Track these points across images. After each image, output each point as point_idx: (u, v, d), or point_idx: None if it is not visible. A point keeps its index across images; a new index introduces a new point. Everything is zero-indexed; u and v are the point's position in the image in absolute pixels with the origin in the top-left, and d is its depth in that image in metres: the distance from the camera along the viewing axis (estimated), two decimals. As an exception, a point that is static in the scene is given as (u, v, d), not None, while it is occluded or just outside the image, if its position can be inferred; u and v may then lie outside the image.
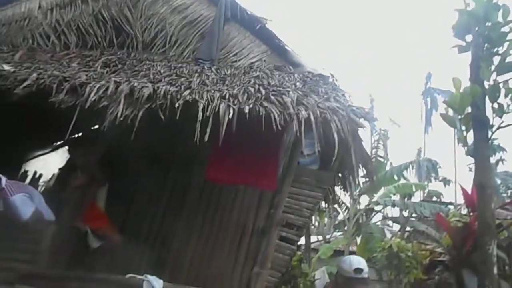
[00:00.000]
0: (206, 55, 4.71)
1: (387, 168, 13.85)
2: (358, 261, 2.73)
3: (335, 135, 2.96)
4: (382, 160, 14.23)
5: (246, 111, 3.05)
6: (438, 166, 14.29)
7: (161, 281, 3.22)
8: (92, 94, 3.13)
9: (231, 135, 3.01)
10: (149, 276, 3.21)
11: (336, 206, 14.79)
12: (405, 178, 14.21)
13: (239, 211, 4.46)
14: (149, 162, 4.64)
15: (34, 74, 3.37)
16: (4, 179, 3.15)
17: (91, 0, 4.95)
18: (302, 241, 13.78)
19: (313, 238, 17.25)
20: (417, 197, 18.10)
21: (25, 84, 3.21)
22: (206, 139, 2.88)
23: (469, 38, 3.56)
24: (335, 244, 13.44)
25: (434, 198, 17.69)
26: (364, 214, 14.01)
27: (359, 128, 3.51)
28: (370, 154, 13.45)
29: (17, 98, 3.18)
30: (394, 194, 13.45)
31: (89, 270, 3.52)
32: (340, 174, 5.81)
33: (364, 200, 14.31)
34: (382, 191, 13.50)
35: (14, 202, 3.17)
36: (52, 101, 3.14)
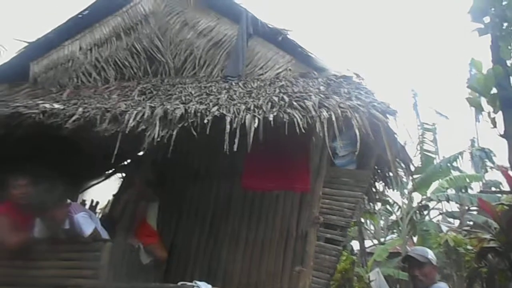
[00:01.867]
0: (234, 72, 4.98)
1: (437, 162, 13.42)
2: None
3: (357, 132, 3.06)
4: (430, 154, 13.81)
5: (271, 119, 3.23)
6: (492, 155, 13.60)
7: (209, 286, 3.42)
8: (130, 120, 3.45)
9: (260, 143, 3.21)
10: (198, 282, 3.43)
11: (387, 206, 14.50)
12: (460, 171, 13.67)
13: (281, 216, 4.60)
14: (192, 178, 4.94)
15: (80, 109, 3.74)
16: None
17: (124, 36, 5.40)
18: (357, 245, 13.61)
19: (369, 243, 16.93)
20: (477, 188, 17.22)
21: (73, 118, 3.58)
22: (235, 148, 3.09)
23: (487, 20, 3.55)
24: (390, 245, 13.13)
25: (493, 188, 16.78)
26: (417, 211, 13.62)
27: (388, 124, 3.59)
28: (416, 149, 13.12)
29: (67, 132, 3.56)
30: (447, 188, 12.97)
31: (145, 282, 3.81)
32: (379, 172, 5.84)
33: (417, 197, 13.90)
34: (434, 186, 13.07)
35: (77, 219, 3.58)
36: (97, 131, 3.49)
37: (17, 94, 4.92)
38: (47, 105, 3.85)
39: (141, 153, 5.48)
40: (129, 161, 6.31)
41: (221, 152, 3.26)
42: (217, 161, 4.80)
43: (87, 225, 3.61)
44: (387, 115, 3.31)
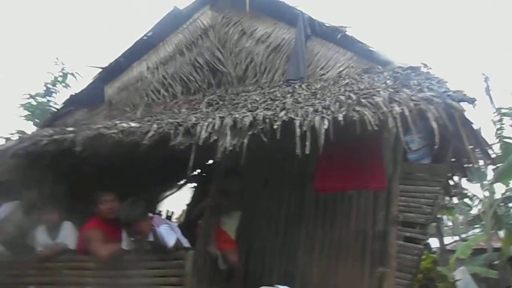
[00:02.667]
0: (295, 75, 5.00)
1: (520, 148, 12.36)
2: None
3: (434, 124, 2.92)
4: (511, 141, 12.78)
5: (340, 118, 3.17)
6: None
7: (291, 289, 3.43)
8: (203, 132, 3.54)
9: (331, 144, 3.16)
10: (280, 287, 3.45)
11: (467, 200, 13.61)
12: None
13: (356, 217, 4.48)
14: (263, 184, 4.98)
15: (155, 125, 3.92)
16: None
17: (186, 51, 5.64)
18: (434, 243, 12.91)
19: (449, 240, 16.00)
20: None
21: (149, 135, 3.76)
22: (307, 151, 3.08)
23: None
24: (473, 241, 12.27)
25: None
26: (502, 204, 12.64)
27: (463, 113, 3.40)
28: (494, 137, 12.18)
29: (144, 147, 3.76)
30: (534, 177, 11.89)
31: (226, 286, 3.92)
32: (457, 163, 5.53)
33: (499, 188, 12.92)
34: (519, 175, 12.04)
35: (160, 232, 3.77)
36: (172, 145, 3.65)
37: (96, 117, 5.31)
38: (124, 125, 4.10)
39: (210, 163, 5.66)
40: (199, 171, 6.52)
41: (290, 156, 3.25)
42: (286, 165, 4.80)
43: (170, 236, 3.78)
44: (464, 104, 3.13)
